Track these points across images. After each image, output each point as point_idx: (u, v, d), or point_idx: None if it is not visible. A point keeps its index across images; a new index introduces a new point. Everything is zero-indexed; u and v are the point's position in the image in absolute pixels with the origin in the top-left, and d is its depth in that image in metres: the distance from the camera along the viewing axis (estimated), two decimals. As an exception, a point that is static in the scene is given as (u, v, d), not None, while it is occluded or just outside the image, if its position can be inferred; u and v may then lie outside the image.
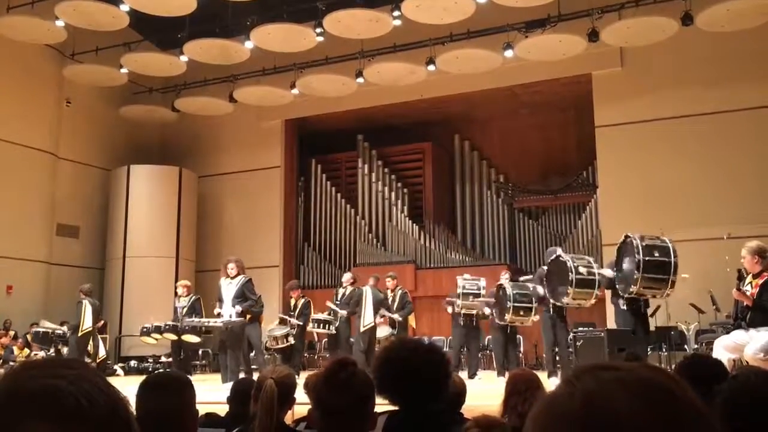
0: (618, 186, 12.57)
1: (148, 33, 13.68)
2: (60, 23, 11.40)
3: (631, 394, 0.63)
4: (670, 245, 6.98)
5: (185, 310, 10.84)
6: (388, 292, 10.44)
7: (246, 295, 9.09)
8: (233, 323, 8.97)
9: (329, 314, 10.63)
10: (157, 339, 11.37)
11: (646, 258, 6.84)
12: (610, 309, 10.85)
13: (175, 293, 10.83)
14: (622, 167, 12.60)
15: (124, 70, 13.14)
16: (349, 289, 10.62)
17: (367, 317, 10.04)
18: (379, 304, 10.14)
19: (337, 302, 10.60)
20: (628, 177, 12.49)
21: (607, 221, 12.66)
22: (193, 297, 10.97)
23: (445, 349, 9.50)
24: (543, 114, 15.10)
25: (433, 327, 13.17)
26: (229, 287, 9.13)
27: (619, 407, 0.62)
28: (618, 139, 12.68)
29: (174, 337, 10.78)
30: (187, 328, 10.47)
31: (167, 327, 10.98)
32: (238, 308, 8.96)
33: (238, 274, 9.15)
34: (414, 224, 15.00)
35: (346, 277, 10.91)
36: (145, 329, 11.24)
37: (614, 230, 12.53)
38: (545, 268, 8.34)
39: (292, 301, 10.94)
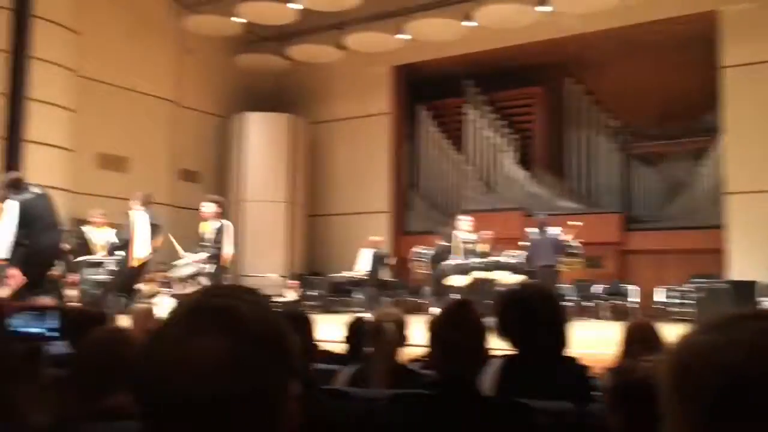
0: (746, 130, 11.78)
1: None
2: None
3: None
4: None
5: None
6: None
7: None
8: None
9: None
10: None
11: None
12: (732, 258, 10.38)
13: None
14: (751, 110, 11.77)
15: (239, 20, 13.47)
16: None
17: None
18: None
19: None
20: (759, 121, 11.68)
21: (734, 168, 11.96)
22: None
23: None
24: (662, 54, 14.25)
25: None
26: None
27: None
28: (747, 80, 11.82)
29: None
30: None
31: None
32: None
33: None
34: (523, 170, 14.73)
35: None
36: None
37: (741, 178, 11.84)
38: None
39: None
